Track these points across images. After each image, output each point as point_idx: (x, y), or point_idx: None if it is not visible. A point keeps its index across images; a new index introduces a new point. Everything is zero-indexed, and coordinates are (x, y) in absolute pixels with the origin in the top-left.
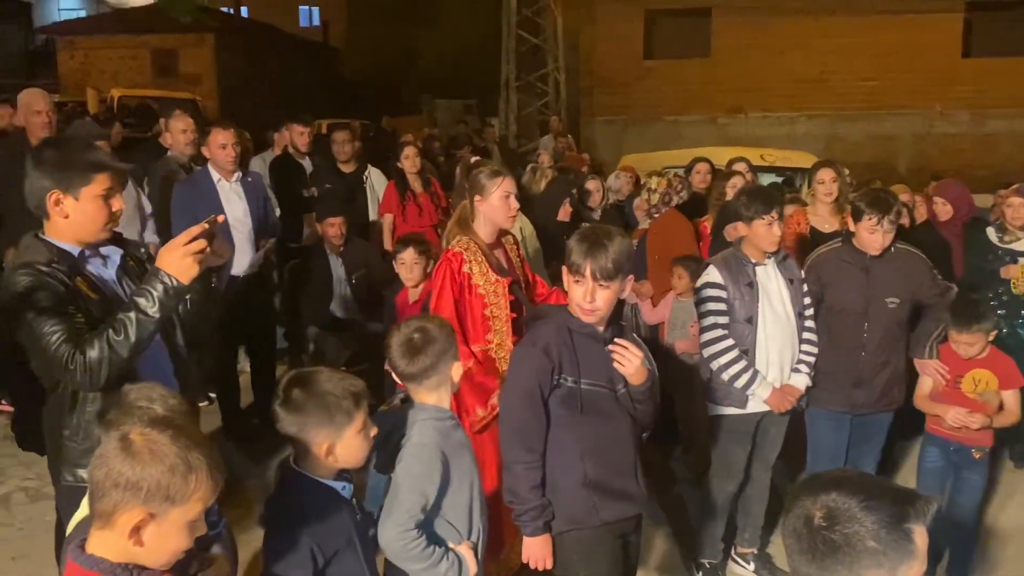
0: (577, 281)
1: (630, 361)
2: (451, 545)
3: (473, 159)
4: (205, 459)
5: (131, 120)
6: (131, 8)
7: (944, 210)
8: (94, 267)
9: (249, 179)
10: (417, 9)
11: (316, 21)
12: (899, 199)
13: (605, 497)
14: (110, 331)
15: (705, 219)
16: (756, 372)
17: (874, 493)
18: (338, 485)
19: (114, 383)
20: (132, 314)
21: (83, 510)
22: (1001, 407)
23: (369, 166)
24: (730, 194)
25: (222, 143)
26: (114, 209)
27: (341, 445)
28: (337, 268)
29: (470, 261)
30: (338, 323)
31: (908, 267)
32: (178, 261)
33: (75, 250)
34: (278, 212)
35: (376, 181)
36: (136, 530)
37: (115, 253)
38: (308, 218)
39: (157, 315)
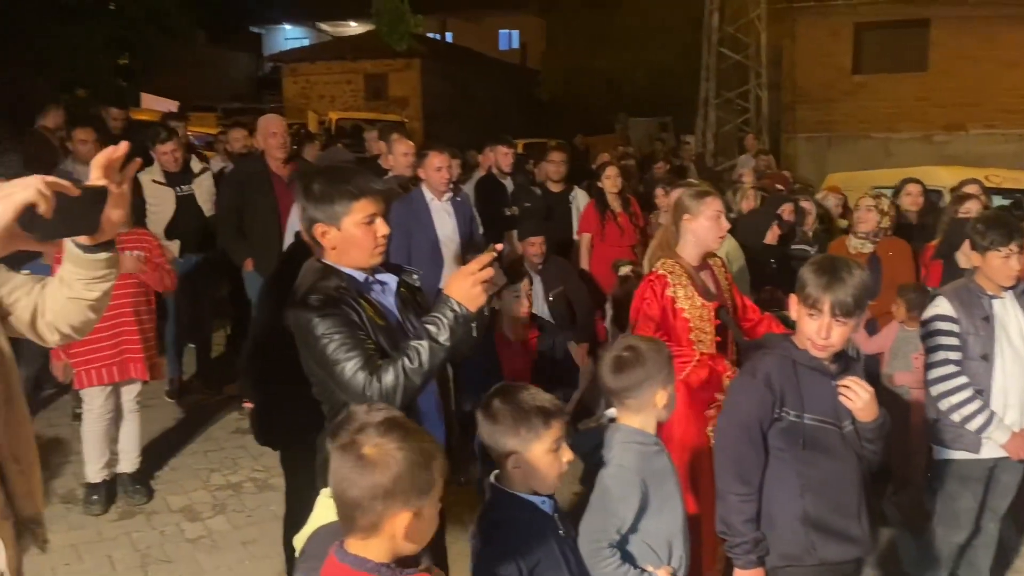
0: (811, 315)
1: (859, 396)
2: (650, 568)
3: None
4: (432, 444)
5: (347, 141)
6: (348, 36)
7: None
8: (376, 294)
9: (458, 198)
10: (613, 29)
11: (515, 44)
12: None
13: (825, 536)
14: (404, 359)
15: (930, 245)
16: (992, 414)
17: None
18: (537, 500)
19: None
20: (424, 342)
21: (315, 521)
22: None
23: (576, 187)
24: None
25: (438, 166)
26: (379, 234)
27: (528, 460)
28: (536, 286)
29: (674, 284)
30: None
31: None
32: (468, 289)
33: (360, 275)
34: (482, 230)
35: (582, 202)
36: (406, 530)
37: (391, 280)
38: (509, 236)
39: (448, 343)
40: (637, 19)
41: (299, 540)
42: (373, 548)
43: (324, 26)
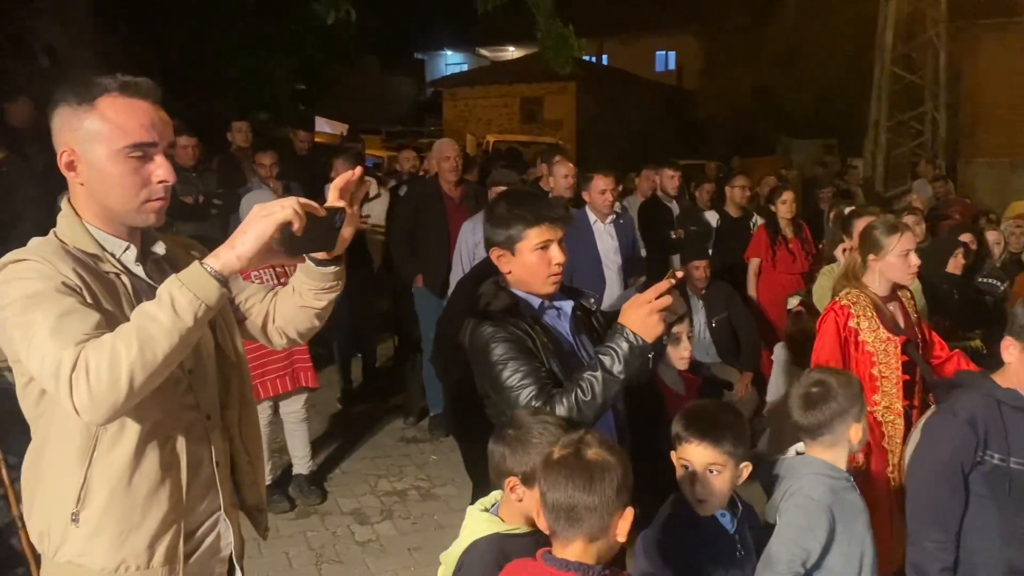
0: None
1: None
2: None
3: (848, 209)
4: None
5: (503, 163)
6: (505, 61)
7: None
8: (550, 319)
9: (621, 221)
10: (774, 49)
11: (671, 65)
12: None
13: None
14: (578, 390)
15: None
16: None
17: None
18: (719, 514)
19: None
20: (598, 373)
21: (468, 535)
22: None
23: (755, 213)
24: None
25: (602, 188)
26: (554, 262)
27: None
28: (698, 311)
29: (858, 316)
30: (697, 367)
31: None
32: (644, 318)
33: (535, 301)
34: (644, 252)
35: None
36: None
37: (567, 305)
38: (673, 260)
39: (622, 375)
40: (798, 37)
41: (450, 557)
42: (592, 552)
43: (483, 51)
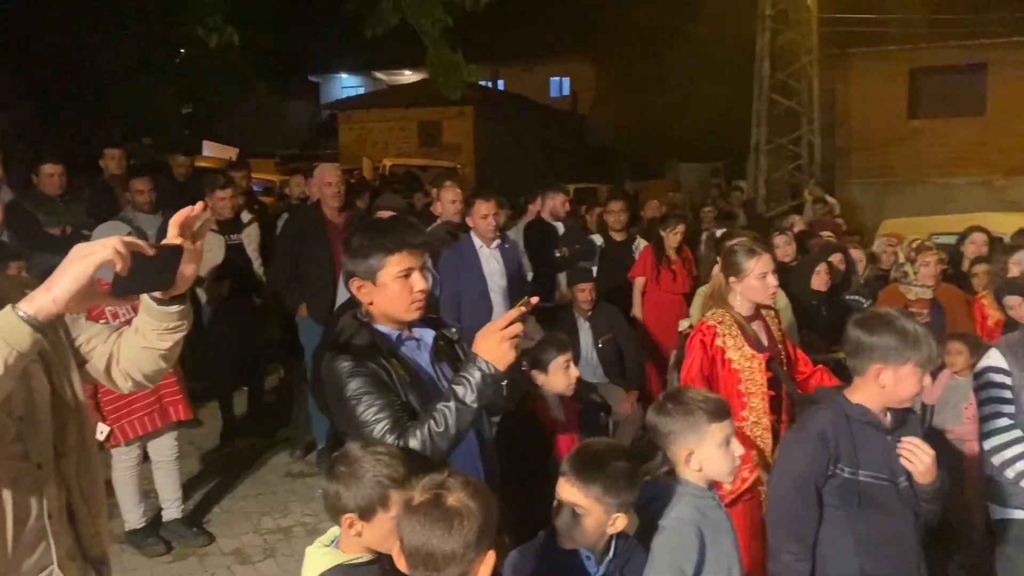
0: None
1: (920, 460)
2: None
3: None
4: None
5: (399, 186)
6: (403, 84)
7: None
8: (409, 350)
9: (506, 245)
10: (663, 76)
11: (566, 91)
12: None
13: None
14: (431, 422)
15: (980, 296)
16: None
17: None
18: (584, 553)
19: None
20: (451, 404)
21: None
22: None
23: (638, 237)
24: (1013, 271)
25: (484, 213)
26: (416, 288)
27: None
28: (584, 332)
29: (724, 335)
30: (585, 387)
31: None
32: (496, 347)
33: (393, 333)
34: (531, 276)
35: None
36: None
37: (428, 335)
38: (559, 280)
39: (476, 404)
40: (688, 65)
41: None
42: None
43: (380, 75)
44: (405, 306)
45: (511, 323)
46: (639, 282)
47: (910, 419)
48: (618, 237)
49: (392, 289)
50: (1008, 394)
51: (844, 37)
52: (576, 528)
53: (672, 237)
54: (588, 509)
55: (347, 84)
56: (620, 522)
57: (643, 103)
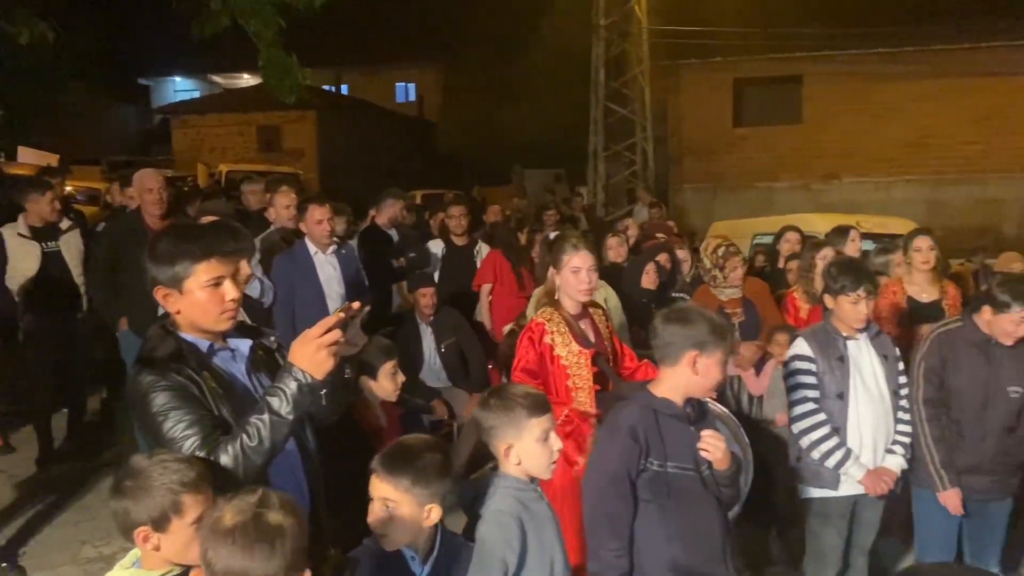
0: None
1: (716, 447)
2: None
3: (554, 233)
4: (296, 522)
5: (236, 193)
6: (240, 88)
7: None
8: (222, 361)
9: (343, 251)
10: (508, 82)
11: (412, 96)
12: None
13: None
14: (244, 436)
15: (792, 290)
16: (849, 451)
17: None
18: (408, 553)
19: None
20: (265, 416)
21: None
22: None
23: (480, 240)
24: (820, 266)
25: (318, 218)
26: (228, 297)
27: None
28: (427, 337)
29: (552, 332)
30: (428, 392)
31: None
32: (312, 355)
33: (203, 344)
34: (367, 283)
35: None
36: None
37: (244, 344)
38: (399, 288)
39: (292, 416)
40: (531, 73)
41: None
42: None
43: (216, 78)
44: (215, 316)
45: (328, 330)
46: (485, 288)
47: (706, 409)
48: (459, 242)
49: (200, 298)
50: (813, 380)
51: (674, 49)
52: (391, 524)
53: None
54: (399, 502)
55: (181, 87)
56: (435, 513)
57: (490, 109)
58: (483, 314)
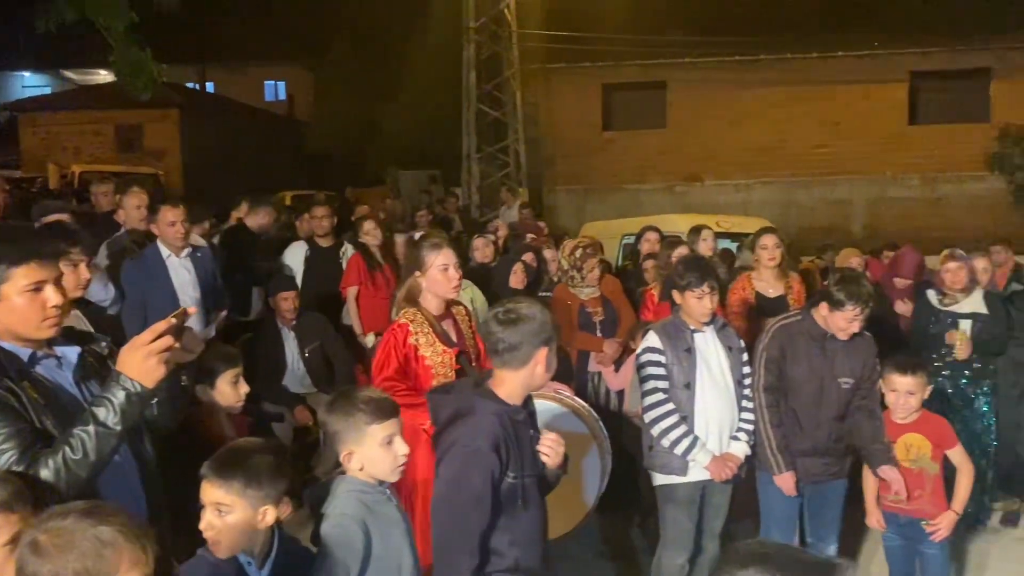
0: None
1: (557, 453)
2: None
3: (417, 234)
4: (118, 530)
5: (88, 195)
6: (96, 84)
7: (903, 283)
8: (46, 370)
9: (198, 253)
10: (381, 82)
11: (282, 95)
12: (870, 288)
13: None
14: (66, 449)
15: (651, 287)
16: (696, 438)
17: (788, 567)
18: (243, 559)
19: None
20: (91, 428)
21: None
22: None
23: (346, 242)
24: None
25: (171, 220)
26: (50, 304)
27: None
28: (290, 342)
29: (416, 332)
30: (292, 398)
31: (861, 350)
32: (141, 363)
33: (24, 352)
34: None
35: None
36: None
37: (72, 352)
38: (260, 292)
39: (119, 427)
40: (404, 74)
41: None
42: None
43: (70, 74)
44: (36, 323)
45: (158, 336)
46: (352, 291)
47: (530, 403)
48: (324, 243)
49: (18, 304)
50: (663, 371)
51: (545, 53)
52: (224, 530)
53: (367, 237)
54: (232, 506)
55: (30, 83)
56: (270, 515)
57: (363, 110)
58: (351, 317)
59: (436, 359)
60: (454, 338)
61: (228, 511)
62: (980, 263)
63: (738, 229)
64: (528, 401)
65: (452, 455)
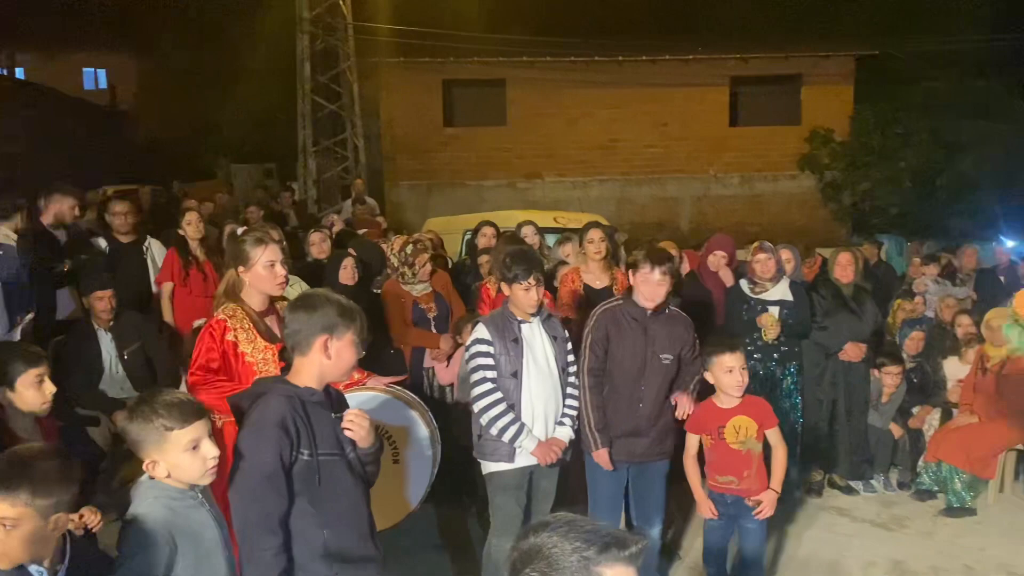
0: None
1: (360, 426)
2: None
3: (240, 229)
4: None
5: None
6: None
7: (721, 262)
8: None
9: (1, 252)
10: (212, 73)
11: (103, 84)
12: (672, 255)
13: (346, 564)
14: None
15: (487, 280)
16: (523, 425)
17: (569, 533)
18: (35, 569)
19: None
20: None
21: None
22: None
23: (149, 237)
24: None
25: None
26: None
27: None
28: (106, 344)
29: (235, 328)
30: (110, 403)
31: (679, 328)
32: None
33: None
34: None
35: (157, 252)
36: None
37: None
38: (72, 292)
39: None
40: (237, 64)
41: None
42: None
43: None
44: None
45: None
46: (167, 287)
47: (340, 396)
48: (125, 239)
49: None
50: (491, 361)
51: (383, 47)
52: (11, 543)
53: (188, 228)
54: (20, 518)
55: None
56: (62, 522)
57: (191, 101)
58: (166, 313)
59: (258, 355)
60: (278, 333)
61: (14, 525)
62: (785, 254)
63: (576, 224)
64: (329, 388)
65: (241, 436)
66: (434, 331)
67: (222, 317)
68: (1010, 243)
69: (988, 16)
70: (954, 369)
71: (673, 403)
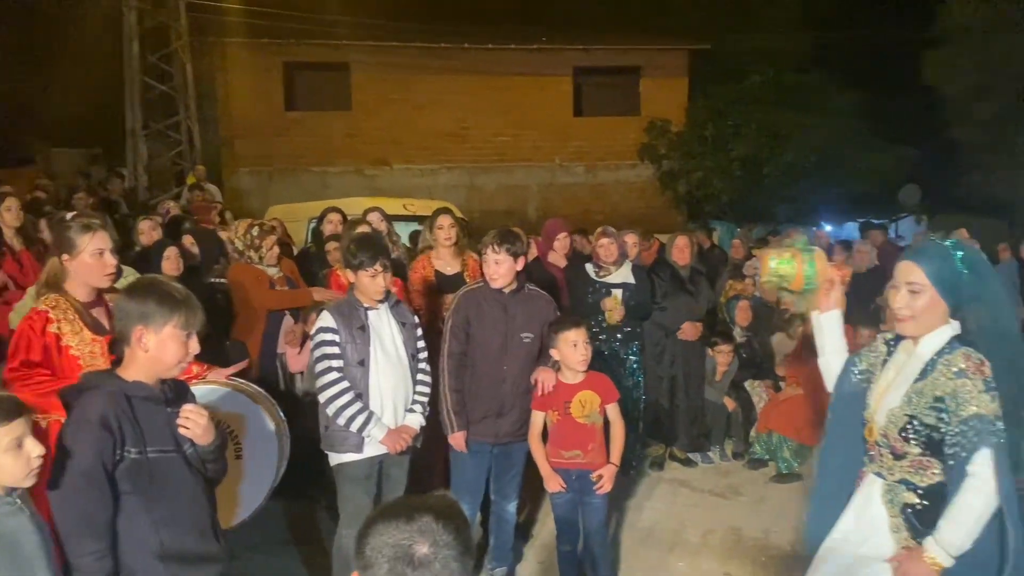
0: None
1: (196, 423)
2: None
3: (71, 215)
4: None
5: None
6: None
7: (563, 244)
8: None
9: None
10: (29, 50)
11: None
12: (516, 234)
13: (184, 565)
14: None
15: (335, 268)
16: (371, 414)
17: (399, 510)
18: None
19: None
20: None
21: None
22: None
23: None
24: (332, 248)
25: None
26: None
27: None
28: None
29: (59, 320)
30: None
31: (539, 306)
32: None
33: None
34: None
35: None
36: None
37: None
38: None
39: None
40: (54, 41)
41: None
42: None
43: None
44: None
45: None
46: None
47: (181, 386)
48: None
49: None
50: (337, 350)
51: (220, 26)
52: None
53: (7, 215)
54: None
55: None
56: None
57: (4, 81)
58: None
59: (84, 348)
60: (106, 325)
61: None
62: (629, 239)
63: (424, 212)
64: (174, 383)
65: (60, 434)
66: (289, 318)
67: (43, 308)
68: (828, 227)
69: (805, 15)
70: (781, 344)
71: (533, 382)
